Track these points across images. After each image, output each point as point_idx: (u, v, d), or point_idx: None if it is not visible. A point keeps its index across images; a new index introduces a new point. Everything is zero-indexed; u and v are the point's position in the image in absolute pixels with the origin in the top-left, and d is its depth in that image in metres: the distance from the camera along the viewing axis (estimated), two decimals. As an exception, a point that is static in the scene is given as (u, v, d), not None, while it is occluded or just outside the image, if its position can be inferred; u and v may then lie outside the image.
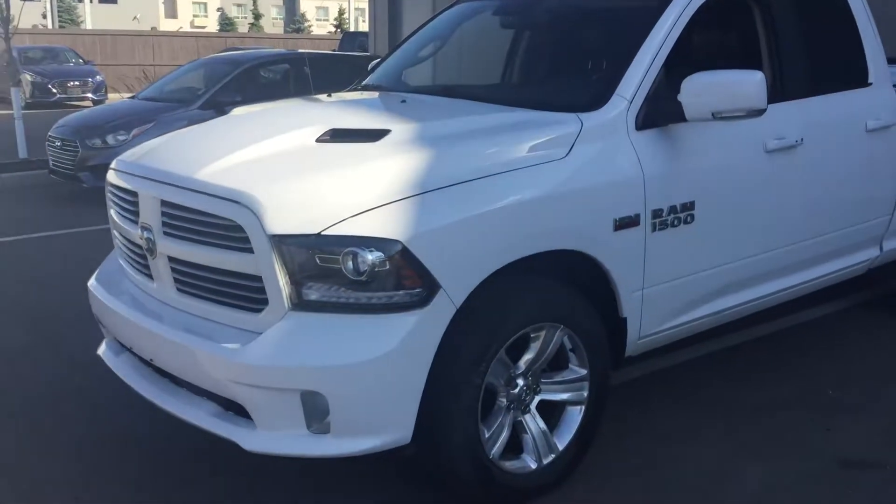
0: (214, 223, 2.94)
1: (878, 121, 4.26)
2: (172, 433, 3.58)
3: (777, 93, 3.88)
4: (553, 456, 3.23)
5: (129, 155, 3.59)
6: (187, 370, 3.06)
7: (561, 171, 3.15)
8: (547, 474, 3.22)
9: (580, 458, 3.32)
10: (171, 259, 3.13)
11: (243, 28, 62.22)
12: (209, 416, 3.02)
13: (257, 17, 62.62)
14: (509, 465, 3.15)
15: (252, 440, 2.88)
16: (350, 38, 23.54)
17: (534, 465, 3.19)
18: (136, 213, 3.26)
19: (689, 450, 3.59)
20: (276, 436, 2.87)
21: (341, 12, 58.55)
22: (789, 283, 4.09)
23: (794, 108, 3.93)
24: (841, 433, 3.73)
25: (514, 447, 3.20)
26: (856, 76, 4.32)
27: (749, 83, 3.30)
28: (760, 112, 3.34)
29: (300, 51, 12.04)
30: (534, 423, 3.21)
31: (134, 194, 3.28)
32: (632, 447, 3.61)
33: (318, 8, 75.99)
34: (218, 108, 8.50)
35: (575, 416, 3.30)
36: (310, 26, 67.26)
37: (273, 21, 71.38)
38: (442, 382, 2.89)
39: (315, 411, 2.83)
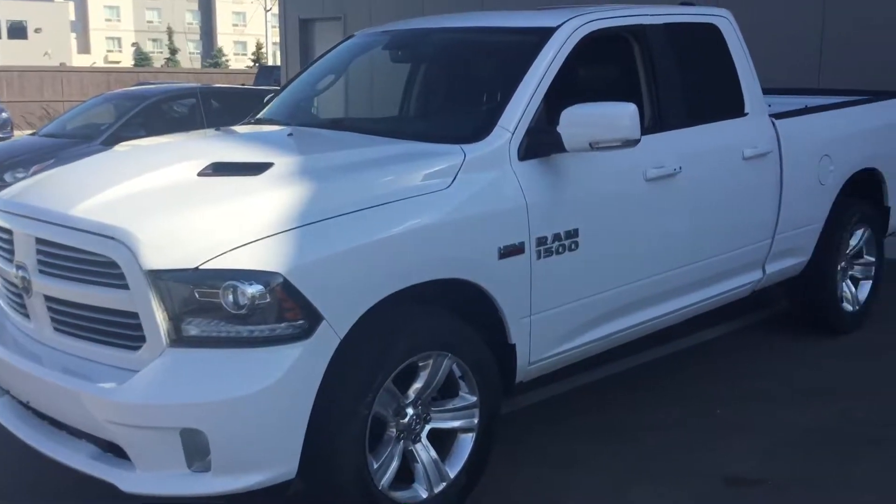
0: (89, 260, 2.89)
1: (754, 149, 4.44)
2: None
3: (656, 124, 4.02)
4: (444, 484, 3.24)
5: (5, 193, 3.51)
6: (65, 411, 2.98)
7: (444, 201, 3.20)
8: (439, 503, 3.23)
9: (472, 485, 3.34)
10: (47, 298, 3.06)
11: (159, 63, 61.40)
12: (88, 459, 2.95)
13: (173, 51, 61.94)
14: (400, 495, 3.15)
15: (131, 482, 2.82)
16: (266, 72, 23.48)
17: (425, 495, 3.19)
18: (12, 252, 3.18)
19: (581, 474, 3.64)
20: (156, 476, 2.81)
21: (259, 46, 58.32)
22: (675, 306, 4.21)
23: (673, 138, 4.08)
24: (726, 452, 3.83)
25: (406, 477, 3.20)
26: (732, 106, 4.51)
27: (622, 115, 3.41)
28: (635, 142, 3.46)
29: (208, 85, 11.94)
30: (424, 451, 3.22)
31: (9, 232, 3.20)
32: (524, 473, 3.64)
33: (235, 42, 75.56)
34: (115, 144, 8.34)
35: (466, 443, 3.32)
36: (227, 61, 66.75)
37: (190, 56, 70.65)
38: (327, 414, 2.88)
39: (195, 449, 2.79)
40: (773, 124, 4.62)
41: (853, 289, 5.37)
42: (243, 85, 17.80)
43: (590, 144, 3.42)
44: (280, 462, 2.84)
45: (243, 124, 4.49)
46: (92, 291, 2.91)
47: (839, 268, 5.19)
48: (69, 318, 3.01)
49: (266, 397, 2.76)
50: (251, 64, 56.00)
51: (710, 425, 4.10)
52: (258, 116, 4.51)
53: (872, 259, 5.45)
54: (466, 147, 3.38)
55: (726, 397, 4.41)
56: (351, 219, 2.97)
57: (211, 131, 4.20)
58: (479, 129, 3.49)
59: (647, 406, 4.30)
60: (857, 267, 5.41)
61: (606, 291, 3.78)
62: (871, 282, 5.45)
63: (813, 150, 4.84)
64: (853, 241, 5.28)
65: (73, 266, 2.94)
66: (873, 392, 4.45)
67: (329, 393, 2.87)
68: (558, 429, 4.06)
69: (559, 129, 3.44)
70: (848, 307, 5.30)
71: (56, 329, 3.07)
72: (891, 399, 4.35)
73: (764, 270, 4.72)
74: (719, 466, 3.70)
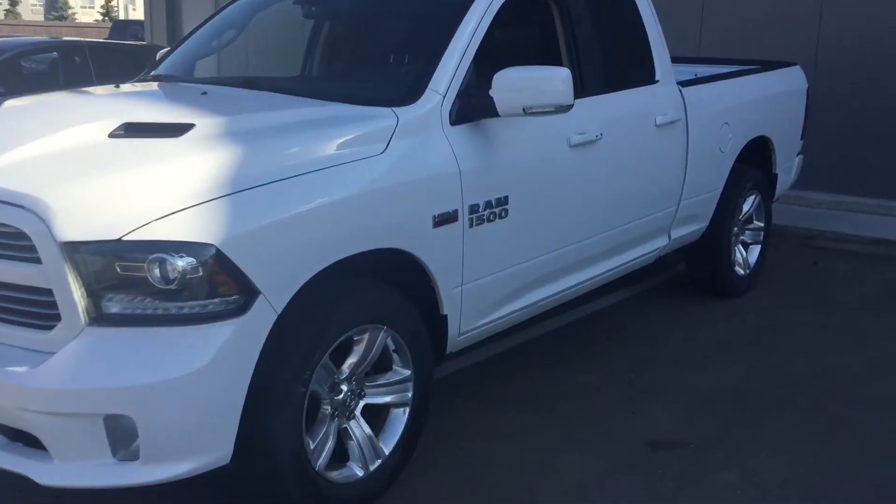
0: (-8, 231, 2.58)
1: (665, 116, 4.49)
2: None
3: (577, 89, 3.96)
4: (380, 461, 3.13)
5: None
6: (-36, 399, 2.67)
7: (380, 167, 3.05)
8: (374, 480, 3.11)
9: (406, 460, 3.24)
10: (-62, 273, 2.72)
11: (-3, 15, 57.09)
12: (-7, 450, 2.66)
13: (13, 3, 57.65)
14: (336, 474, 3.01)
15: (48, 474, 2.56)
16: (121, 27, 22.20)
17: (360, 473, 3.07)
18: None
19: (504, 444, 3.60)
20: (77, 467, 2.57)
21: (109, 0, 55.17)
22: (595, 272, 4.23)
23: (594, 104, 4.05)
24: (644, 416, 3.89)
25: (339, 455, 3.06)
26: (644, 74, 4.53)
27: (556, 79, 3.35)
28: (568, 108, 3.41)
29: (73, 38, 11.13)
30: (359, 428, 3.09)
31: None
32: (451, 445, 3.58)
33: (82, -6, 71.12)
34: (-24, 100, 7.65)
35: (399, 417, 3.21)
36: (73, 14, 62.79)
37: (32, 8, 66.00)
38: (263, 395, 2.71)
39: (121, 436, 2.56)
40: (681, 92, 4.68)
41: (744, 253, 5.57)
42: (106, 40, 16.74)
43: (523, 109, 3.34)
44: (214, 448, 2.65)
45: (138, 82, 4.15)
46: (-4, 265, 2.61)
47: (733, 233, 5.37)
48: (-32, 296, 2.69)
49: (199, 379, 2.55)
50: (100, 18, 52.92)
51: (624, 390, 4.15)
52: (155, 73, 4.18)
53: (761, 224, 5.66)
54: (398, 110, 3.23)
55: (634, 362, 4.48)
56: (286, 185, 2.77)
57: (109, 88, 3.84)
58: (409, 91, 3.34)
59: (559, 374, 4.30)
60: (747, 232, 5.61)
61: (533, 259, 3.74)
62: (759, 246, 5.67)
63: (715, 118, 4.95)
64: (746, 207, 5.46)
65: (-29, 237, 2.63)
66: (770, 352, 4.63)
67: (265, 372, 2.69)
68: (476, 399, 4.00)
69: (492, 92, 3.34)
70: (740, 271, 5.49)
71: (-50, 308, 2.74)
72: (787, 359, 4.53)
73: (669, 237, 4.81)
74: (641, 431, 3.75)
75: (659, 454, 3.57)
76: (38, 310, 2.60)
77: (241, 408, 2.66)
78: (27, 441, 2.62)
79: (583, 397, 4.06)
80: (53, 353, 2.56)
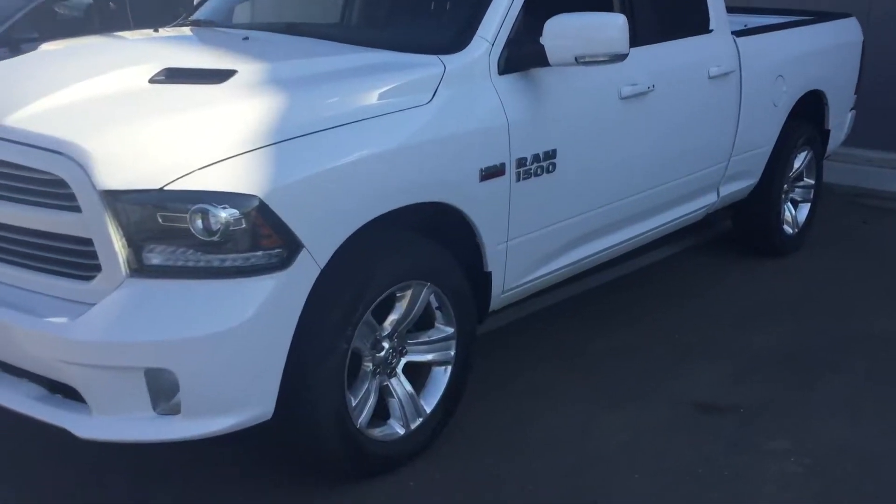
0: (32, 178, 2.52)
1: (719, 67, 4.31)
2: None
3: (630, 37, 3.80)
4: (421, 420, 3.06)
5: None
6: (2, 349, 2.63)
7: (427, 118, 2.93)
8: (415, 439, 3.06)
9: (447, 419, 3.18)
10: (-21, 221, 2.67)
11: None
12: (31, 401, 2.63)
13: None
14: (377, 432, 2.96)
15: (87, 426, 2.52)
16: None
17: (402, 431, 3.01)
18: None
19: (547, 404, 3.52)
20: (117, 420, 2.52)
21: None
22: (640, 230, 4.10)
23: (645, 53, 3.88)
24: (690, 378, 3.79)
25: (380, 413, 3.00)
26: (698, 23, 4.34)
27: (612, 26, 3.20)
28: (623, 57, 3.26)
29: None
30: (400, 386, 3.03)
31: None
32: (496, 404, 3.51)
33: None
34: (12, 45, 7.58)
35: (441, 376, 3.14)
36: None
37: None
38: (305, 350, 2.64)
39: (162, 390, 2.51)
40: (735, 42, 4.49)
41: (793, 211, 5.39)
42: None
43: (575, 58, 3.19)
44: (256, 403, 2.59)
45: (176, 27, 4.04)
46: (35, 214, 2.55)
47: (783, 190, 5.20)
48: (7, 244, 2.64)
49: (241, 334, 2.48)
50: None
51: (669, 350, 4.05)
52: (194, 18, 4.07)
53: (812, 182, 5.48)
54: (445, 58, 3.10)
55: (678, 321, 4.36)
56: (331, 135, 2.67)
57: (149, 32, 3.74)
58: (456, 38, 3.21)
59: (601, 332, 4.20)
60: (797, 189, 5.43)
61: (580, 215, 3.62)
62: (809, 204, 5.49)
63: (769, 70, 4.75)
64: (796, 164, 5.28)
65: (10, 185, 2.56)
66: (819, 313, 4.49)
67: (307, 328, 2.62)
68: (517, 357, 3.92)
69: (542, 40, 3.19)
70: (789, 229, 5.32)
71: (-11, 256, 2.70)
72: (838, 321, 4.39)
73: (718, 193, 4.66)
74: (688, 392, 3.65)
75: (706, 417, 3.47)
76: (78, 260, 2.54)
77: (283, 363, 2.60)
78: (66, 393, 2.58)
79: (626, 356, 3.96)
80: (93, 305, 2.50)
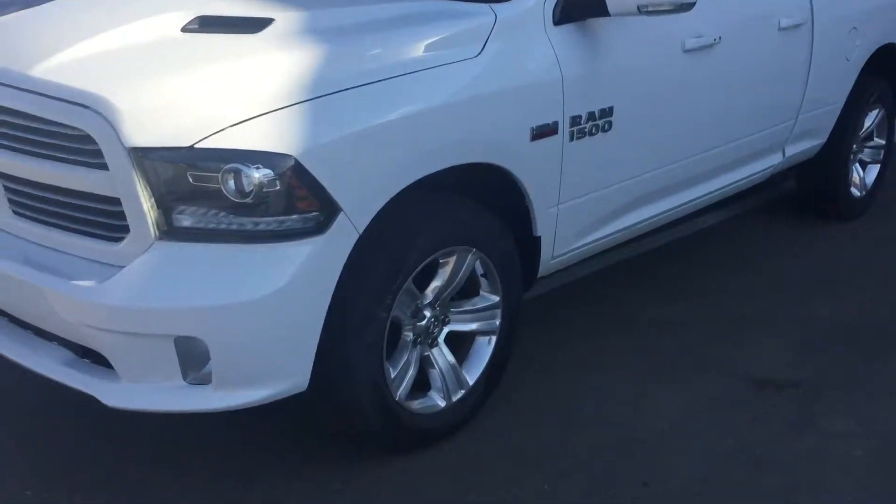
0: (57, 132, 2.38)
1: (790, 18, 4.01)
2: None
3: (694, -15, 3.55)
4: (463, 392, 2.92)
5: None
6: (29, 311, 2.54)
7: (474, 72, 2.73)
8: (456, 412, 2.92)
9: (491, 391, 3.03)
10: (2, 176, 2.55)
11: None
12: (59, 366, 2.53)
13: None
14: (416, 404, 2.82)
15: (115, 394, 2.42)
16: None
17: (442, 403, 2.87)
18: (-46, 119, 2.63)
19: (600, 375, 3.36)
20: (145, 388, 2.41)
21: None
22: (700, 192, 3.86)
23: (712, 3, 3.60)
24: (749, 351, 3.59)
25: (419, 384, 2.87)
26: (768, -30, 4.04)
27: (678, -28, 2.95)
28: (690, 6, 3.00)
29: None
30: (442, 357, 2.88)
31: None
32: (542, 375, 3.35)
33: None
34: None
35: (485, 346, 2.99)
36: None
37: None
38: (343, 319, 2.50)
39: (192, 359, 2.39)
40: (807, -8, 4.18)
41: (861, 173, 5.09)
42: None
43: (637, 7, 2.95)
44: (290, 374, 2.46)
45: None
46: (60, 170, 2.42)
47: (852, 151, 4.90)
48: (32, 201, 2.53)
49: (275, 302, 2.34)
50: None
51: (725, 321, 3.83)
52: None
53: (882, 142, 5.15)
54: (496, 7, 2.89)
55: (736, 290, 4.14)
56: (373, 91, 2.49)
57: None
58: (507, -16, 2.98)
59: (653, 300, 3.99)
60: (866, 150, 5.11)
61: (637, 178, 3.41)
62: (878, 166, 5.18)
63: (843, 22, 4.42)
64: (867, 123, 4.96)
65: (34, 139, 2.44)
66: (886, 284, 4.23)
67: (345, 296, 2.47)
68: (565, 327, 3.74)
69: (602, -13, 2.95)
70: (856, 192, 5.02)
71: (16, 213, 2.59)
72: (908, 293, 4.14)
73: (784, 153, 4.38)
74: (745, 367, 3.45)
75: (764, 395, 3.28)
76: (105, 220, 2.42)
77: (319, 333, 2.46)
78: (95, 358, 2.48)
79: (679, 327, 3.76)
80: (122, 267, 2.38)
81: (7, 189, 2.57)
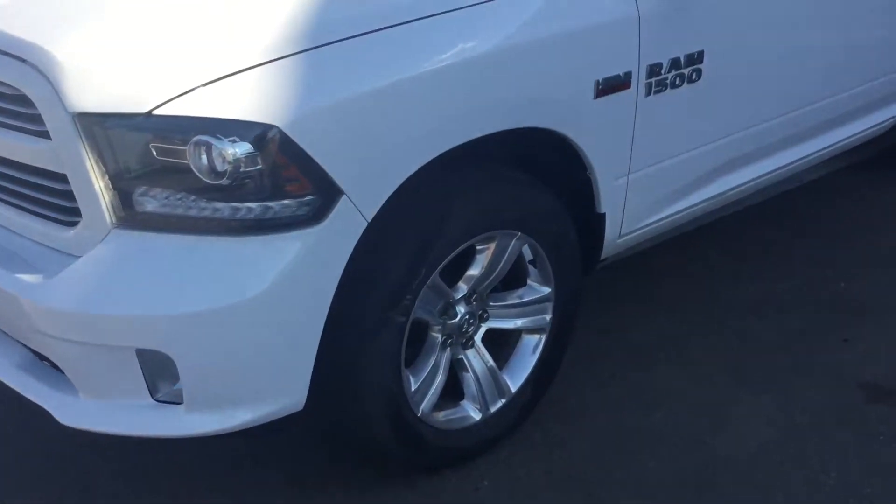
0: (-6, 91, 1.92)
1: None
2: None
3: None
4: (503, 402, 2.43)
5: None
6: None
7: (521, 12, 2.15)
8: (495, 425, 2.43)
9: (537, 400, 2.53)
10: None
11: None
12: (14, 368, 2.13)
13: None
14: (444, 416, 2.34)
15: (71, 411, 2.00)
16: None
17: (477, 416, 2.39)
18: None
19: (673, 379, 2.81)
20: (106, 406, 1.98)
21: None
22: (803, 152, 3.23)
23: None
24: (859, 346, 2.98)
25: (451, 390, 2.38)
26: None
27: None
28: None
29: None
30: (479, 360, 2.39)
31: None
32: (602, 371, 2.82)
33: None
34: None
35: (532, 346, 2.48)
36: None
37: None
38: (348, 326, 2.01)
39: (162, 371, 1.94)
40: None
41: None
42: None
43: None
44: (282, 392, 2.00)
45: None
46: (3, 138, 1.96)
47: None
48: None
49: (257, 308, 1.86)
50: None
51: (832, 305, 3.21)
52: None
53: None
54: (552, -74, 2.28)
55: (846, 265, 3.48)
56: (382, 40, 1.94)
57: None
58: None
59: (733, 280, 3.37)
60: None
61: (727, 138, 2.80)
62: None
63: None
64: None
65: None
66: None
67: (350, 297, 1.98)
68: (624, 314, 3.15)
69: None
70: None
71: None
72: None
73: (906, 102, 3.68)
74: (853, 369, 2.85)
75: (877, 408, 2.68)
76: (55, 200, 1.96)
77: (316, 344, 1.97)
78: (54, 363, 2.06)
79: (769, 314, 3.16)
80: (75, 258, 1.93)
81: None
